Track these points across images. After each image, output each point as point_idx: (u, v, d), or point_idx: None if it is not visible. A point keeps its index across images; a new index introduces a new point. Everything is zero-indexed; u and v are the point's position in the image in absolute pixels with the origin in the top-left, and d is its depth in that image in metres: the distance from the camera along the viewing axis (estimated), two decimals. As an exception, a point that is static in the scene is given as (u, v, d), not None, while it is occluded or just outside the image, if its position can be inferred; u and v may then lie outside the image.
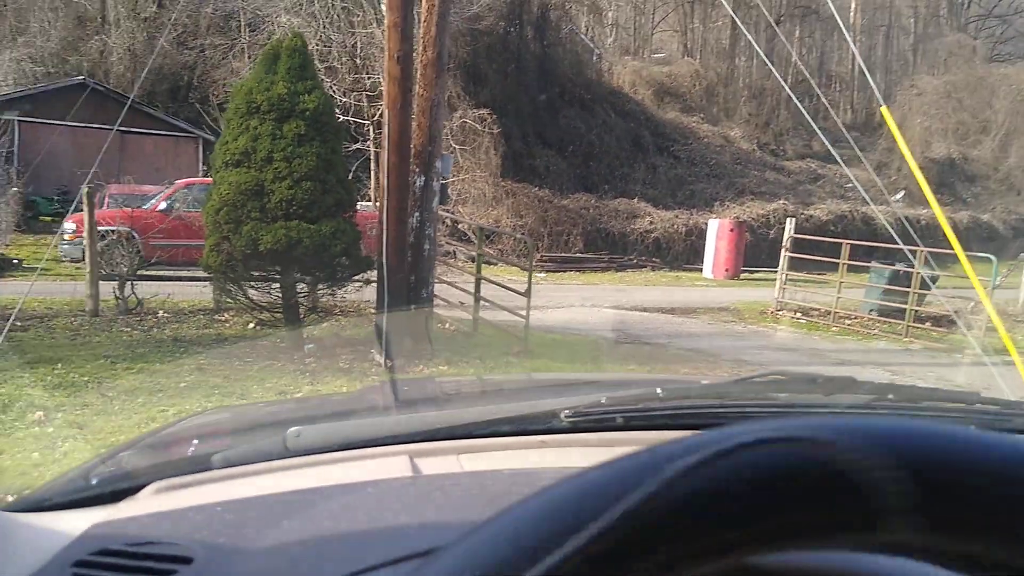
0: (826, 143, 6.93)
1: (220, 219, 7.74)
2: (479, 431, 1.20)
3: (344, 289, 9.19)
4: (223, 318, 9.76)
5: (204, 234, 8.80)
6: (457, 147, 20.64)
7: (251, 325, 9.39)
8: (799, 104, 9.45)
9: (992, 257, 11.90)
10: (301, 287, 8.81)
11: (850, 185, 39.11)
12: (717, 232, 21.01)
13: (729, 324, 12.57)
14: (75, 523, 0.92)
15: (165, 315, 9.76)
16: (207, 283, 10.14)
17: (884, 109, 6.26)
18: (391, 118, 8.09)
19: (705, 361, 9.22)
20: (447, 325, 9.97)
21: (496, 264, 17.16)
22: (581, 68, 32.43)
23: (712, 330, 11.81)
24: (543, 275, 19.53)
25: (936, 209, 6.11)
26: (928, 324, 13.09)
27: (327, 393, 5.33)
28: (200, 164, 22.53)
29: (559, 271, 20.49)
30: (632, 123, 32.53)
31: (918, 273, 11.84)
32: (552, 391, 1.82)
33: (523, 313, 9.48)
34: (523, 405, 1.36)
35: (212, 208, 7.87)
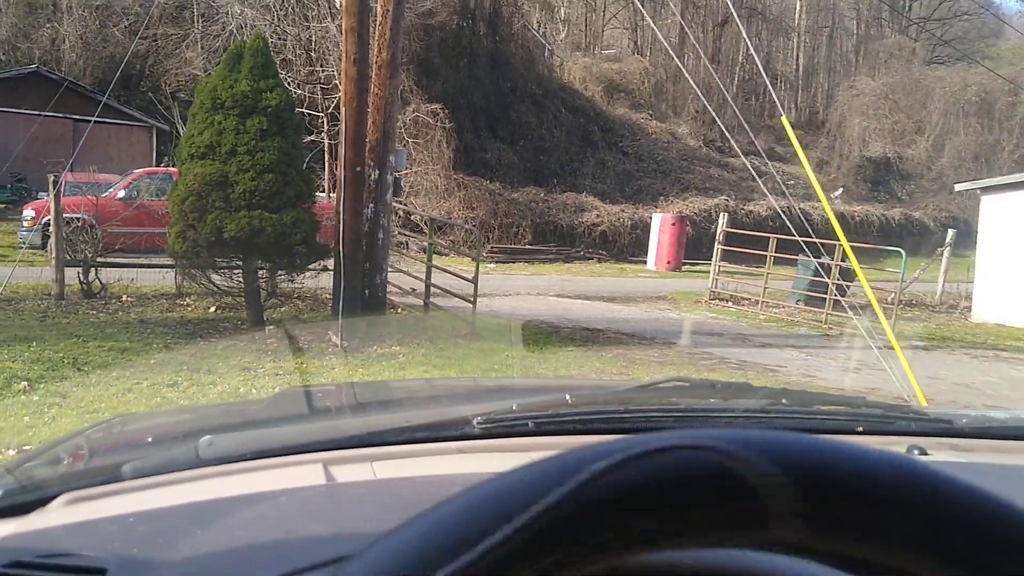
0: (732, 143, 7.67)
1: (186, 208, 8.27)
2: (392, 438, 1.22)
3: (302, 276, 9.75)
4: (185, 303, 10.25)
5: (165, 222, 9.31)
6: (410, 140, 21.18)
7: (212, 309, 9.91)
8: (715, 107, 10.23)
9: (902, 251, 12.84)
10: (261, 273, 9.35)
11: (791, 182, 40.49)
12: (660, 226, 21.90)
13: (665, 311, 13.38)
14: None
15: (128, 299, 10.23)
16: (168, 269, 10.64)
17: (784, 119, 7.02)
18: (347, 115, 8.67)
19: (639, 344, 9.98)
20: (400, 310, 10.59)
21: (447, 255, 17.76)
22: (533, 63, 33.06)
23: (648, 316, 12.61)
24: (493, 266, 20.20)
25: (827, 207, 6.89)
26: (850, 313, 14.02)
27: (240, 401, 5.46)
28: (153, 153, 22.75)
29: (509, 262, 21.18)
30: (582, 118, 33.27)
31: (837, 265, 12.73)
32: (465, 397, 1.91)
33: (472, 300, 10.16)
34: (436, 412, 1.41)
35: (178, 197, 8.38)
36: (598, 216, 24.46)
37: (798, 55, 51.61)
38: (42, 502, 1.02)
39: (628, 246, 24.05)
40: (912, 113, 41.77)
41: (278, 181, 8.43)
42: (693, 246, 22.80)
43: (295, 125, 9.05)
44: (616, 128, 35.06)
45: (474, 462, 1.20)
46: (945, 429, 1.46)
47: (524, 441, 1.25)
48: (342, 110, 8.79)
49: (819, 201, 28.82)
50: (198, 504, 0.94)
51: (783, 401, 1.43)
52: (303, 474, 1.08)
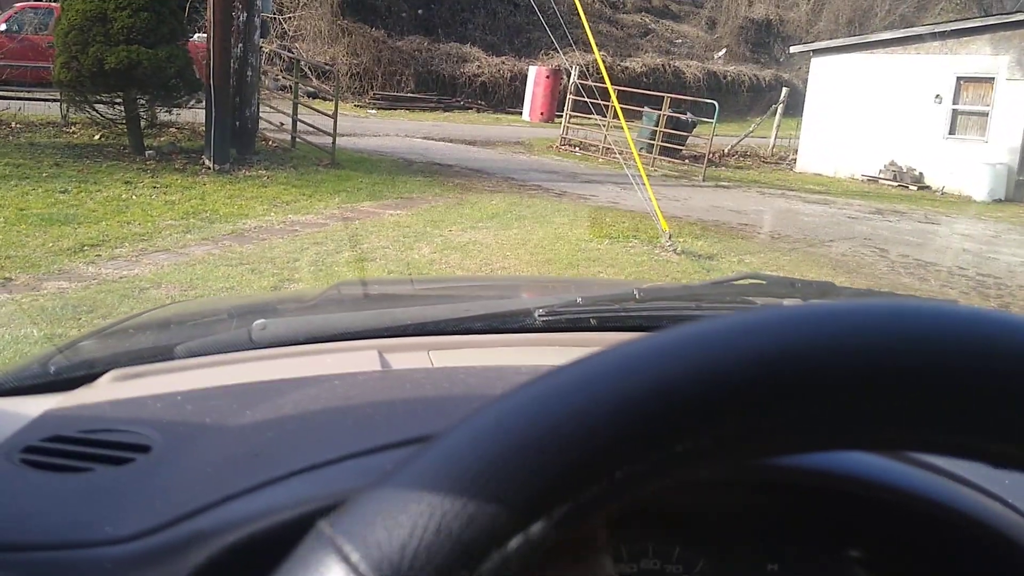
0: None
1: (69, 41, 9.27)
2: (451, 328, 1.17)
3: (179, 109, 10.86)
4: (71, 130, 11.26)
5: (48, 56, 10.24)
6: (294, -16, 21.62)
7: (97, 136, 10.98)
8: None
9: (715, 103, 14.61)
10: (141, 104, 10.44)
11: (679, 41, 41.86)
12: (535, 79, 23.25)
13: (517, 155, 15.01)
14: (27, 409, 0.87)
15: (18, 126, 11.18)
16: (53, 102, 11.56)
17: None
18: (216, -38, 9.68)
19: (479, 177, 11.58)
20: (270, 143, 11.86)
21: (330, 99, 18.76)
22: (426, -92, 32.84)
23: (499, 157, 14.22)
24: (374, 112, 21.30)
25: (603, 71, 8.40)
26: (688, 160, 15.91)
27: (293, 291, 5.11)
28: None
29: (390, 109, 22.25)
30: (479, -32, 33.48)
31: (664, 116, 14.48)
32: (528, 291, 1.88)
33: (340, 137, 11.51)
34: (495, 303, 1.36)
35: (62, 31, 9.37)
36: (479, 67, 25.54)
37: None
38: (89, 379, 1.00)
39: (507, 97, 25.30)
40: (795, -24, 43.28)
41: (153, 19, 9.47)
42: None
43: (168, -32, 10.01)
44: (510, -21, 35.41)
45: (535, 354, 1.14)
46: None
47: (587, 336, 1.19)
48: (211, -43, 9.77)
49: (693, 60, 30.28)
50: (248, 385, 0.91)
51: None
52: (357, 360, 1.05)
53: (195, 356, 1.05)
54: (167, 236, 6.84)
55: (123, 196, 8.06)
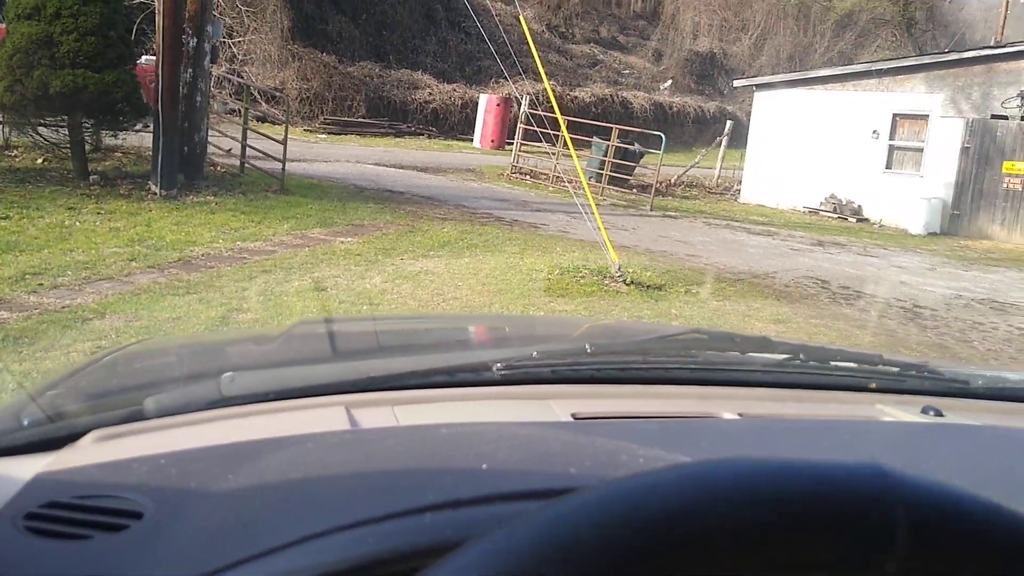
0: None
1: (14, 64, 9.12)
2: (413, 382, 1.22)
3: (126, 133, 10.72)
4: (13, 154, 11.03)
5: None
6: (243, 8, 21.52)
7: (40, 160, 10.77)
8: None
9: (662, 136, 14.90)
10: (87, 129, 10.29)
11: (627, 71, 42.57)
12: (486, 106, 23.45)
13: (468, 182, 15.09)
14: (16, 472, 0.89)
15: (-44, 148, 10.94)
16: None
17: (520, 17, 8.61)
18: (166, -12, 9.62)
19: (430, 204, 11.62)
20: (219, 168, 11.76)
21: (279, 123, 18.66)
22: (377, -65, 33.00)
23: (450, 184, 14.28)
24: (324, 137, 21.25)
25: (553, 100, 8.52)
26: (635, 190, 16.15)
27: (255, 331, 4.84)
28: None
29: (341, 134, 22.23)
30: (426, -5, 33.71)
31: (613, 146, 14.70)
32: (486, 342, 2.02)
33: (290, 162, 11.45)
34: (455, 356, 1.45)
35: (6, 54, 9.20)
36: (430, 94, 25.67)
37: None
38: (71, 437, 1.02)
39: (458, 124, 25.46)
40: (738, 11, 44.40)
41: (100, 43, 9.37)
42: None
43: (116, -7, 9.91)
44: (460, 8, 35.60)
45: (494, 410, 1.22)
46: (960, 389, 1.46)
47: (542, 389, 1.27)
48: (161, -17, 9.70)
49: (640, 91, 30.71)
50: (226, 447, 0.95)
51: (800, 356, 1.43)
52: (326, 416, 1.09)
53: (170, 414, 1.07)
54: (111, 264, 6.74)
55: (66, 222, 7.92)
